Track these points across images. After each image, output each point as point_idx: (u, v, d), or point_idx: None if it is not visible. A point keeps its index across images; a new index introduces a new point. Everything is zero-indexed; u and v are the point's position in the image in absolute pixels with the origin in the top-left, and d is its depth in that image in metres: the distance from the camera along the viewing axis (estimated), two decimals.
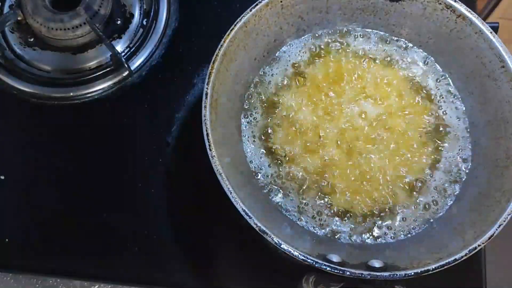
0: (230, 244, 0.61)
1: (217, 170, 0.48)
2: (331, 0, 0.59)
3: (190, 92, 0.66)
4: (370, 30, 0.62)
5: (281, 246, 0.45)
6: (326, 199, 0.56)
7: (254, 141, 0.58)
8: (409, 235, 0.55)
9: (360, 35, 0.62)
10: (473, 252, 0.47)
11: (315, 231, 0.55)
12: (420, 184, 0.57)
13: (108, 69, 0.66)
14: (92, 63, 0.67)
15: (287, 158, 0.57)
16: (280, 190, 0.56)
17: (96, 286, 0.59)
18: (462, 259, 0.47)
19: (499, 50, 0.54)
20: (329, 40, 0.62)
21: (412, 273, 0.45)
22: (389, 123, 0.58)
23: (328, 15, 0.61)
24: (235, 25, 0.54)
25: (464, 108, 0.59)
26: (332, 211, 0.55)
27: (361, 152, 0.57)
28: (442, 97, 0.60)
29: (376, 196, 0.56)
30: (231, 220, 0.58)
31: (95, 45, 0.67)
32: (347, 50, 0.62)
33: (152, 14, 0.70)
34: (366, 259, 0.50)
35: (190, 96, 0.66)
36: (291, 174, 0.57)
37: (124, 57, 0.66)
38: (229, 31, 0.53)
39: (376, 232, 0.55)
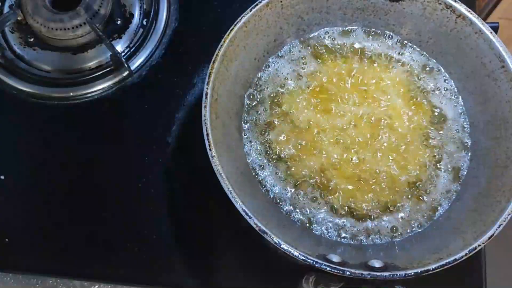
0: (230, 244, 0.61)
1: (217, 170, 0.48)
2: (331, 0, 0.59)
3: (190, 92, 0.66)
4: (370, 30, 0.62)
5: (281, 246, 0.45)
6: (326, 199, 0.56)
7: (254, 141, 0.58)
8: (409, 235, 0.55)
9: (360, 35, 0.62)
10: (473, 252, 0.47)
11: (315, 231, 0.55)
12: (420, 184, 0.57)
13: (108, 69, 0.66)
14: (92, 63, 0.67)
15: (287, 158, 0.57)
16: (280, 190, 0.56)
17: (96, 286, 0.59)
18: (462, 259, 0.46)
19: (499, 50, 0.54)
20: (329, 40, 0.62)
21: (412, 273, 0.45)
22: (389, 123, 0.58)
23: (328, 15, 0.61)
24: (235, 25, 0.54)
25: (464, 108, 0.59)
26: (332, 211, 0.55)
27: (361, 152, 0.57)
28: (442, 97, 0.60)
29: (376, 196, 0.56)
30: (231, 220, 0.59)
31: (95, 45, 0.67)
32: (347, 50, 0.62)
33: (152, 14, 0.69)
34: (366, 259, 0.50)
35: (190, 96, 0.66)
36: (291, 174, 0.57)
37: (124, 57, 0.66)
38: (229, 31, 0.53)
39: (376, 232, 0.55)
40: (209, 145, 0.49)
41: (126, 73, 0.66)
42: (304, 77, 0.60)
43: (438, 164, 0.58)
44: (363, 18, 0.61)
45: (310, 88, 0.60)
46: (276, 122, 0.59)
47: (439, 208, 0.56)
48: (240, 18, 0.54)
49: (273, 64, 0.61)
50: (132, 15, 0.70)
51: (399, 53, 0.62)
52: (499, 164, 0.54)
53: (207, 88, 0.51)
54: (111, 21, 0.68)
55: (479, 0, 1.08)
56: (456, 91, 0.60)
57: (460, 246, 0.48)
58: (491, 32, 0.54)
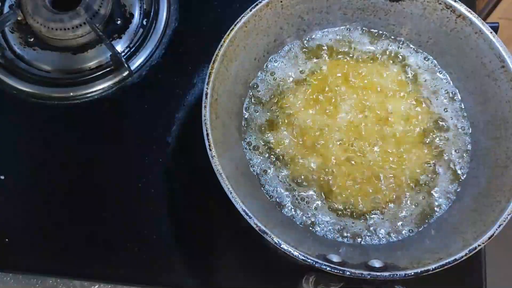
0: (230, 244, 0.61)
1: (217, 170, 0.48)
2: (331, 0, 0.59)
3: (190, 92, 0.66)
4: (370, 30, 0.62)
5: (281, 246, 0.45)
6: (326, 199, 0.56)
7: (254, 141, 0.58)
8: (409, 235, 0.55)
9: (360, 35, 0.62)
10: (473, 252, 0.47)
11: (315, 231, 0.55)
12: (420, 184, 0.57)
13: (108, 69, 0.66)
14: (92, 63, 0.67)
15: (287, 158, 0.57)
16: (280, 190, 0.56)
17: (96, 286, 0.59)
18: (462, 259, 0.46)
19: (499, 50, 0.54)
20: (329, 40, 0.62)
21: (412, 273, 0.45)
22: (390, 123, 0.58)
23: (328, 15, 0.61)
24: (235, 25, 0.54)
25: (464, 108, 0.59)
26: (333, 211, 0.55)
27: (361, 152, 0.57)
28: (442, 97, 0.60)
29: (377, 196, 0.56)
30: (231, 220, 0.59)
31: (95, 45, 0.67)
32: (347, 51, 0.62)
33: (152, 14, 0.70)
34: (366, 259, 0.50)
35: (190, 96, 0.66)
36: (291, 174, 0.57)
37: (124, 57, 0.66)
38: (229, 31, 0.53)
39: (376, 231, 0.55)
40: (209, 145, 0.49)
41: (126, 73, 0.66)
42: (304, 77, 0.60)
43: (438, 164, 0.58)
44: (363, 18, 0.61)
45: (311, 88, 0.60)
46: (276, 122, 0.58)
47: (439, 208, 0.56)
48: (240, 18, 0.54)
49: (273, 64, 0.61)
50: (132, 15, 0.70)
51: (398, 54, 0.62)
52: (499, 164, 0.54)
53: (207, 88, 0.51)
54: (111, 21, 0.68)
55: (479, 0, 1.08)
56: (456, 91, 0.60)
57: (460, 246, 0.48)
58: (491, 32, 0.54)
